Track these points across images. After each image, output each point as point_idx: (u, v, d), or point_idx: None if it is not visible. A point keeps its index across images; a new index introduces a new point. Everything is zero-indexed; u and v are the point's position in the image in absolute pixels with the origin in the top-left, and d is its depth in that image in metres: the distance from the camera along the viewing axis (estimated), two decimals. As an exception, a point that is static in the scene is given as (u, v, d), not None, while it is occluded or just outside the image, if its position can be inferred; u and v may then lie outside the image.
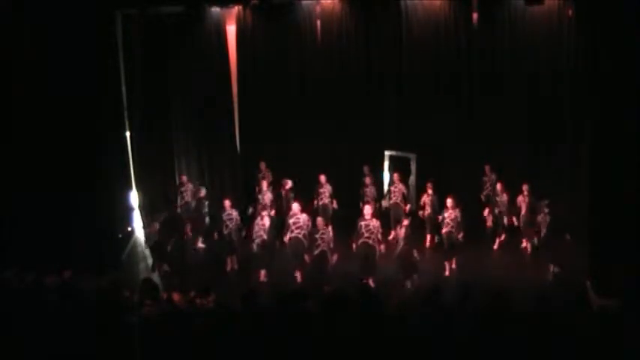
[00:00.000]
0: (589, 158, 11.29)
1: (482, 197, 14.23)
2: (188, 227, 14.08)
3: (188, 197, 14.56)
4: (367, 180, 14.49)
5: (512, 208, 13.50)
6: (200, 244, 14.28)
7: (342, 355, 6.69)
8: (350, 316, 7.24)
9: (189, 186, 14.69)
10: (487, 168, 14.24)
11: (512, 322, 7.20)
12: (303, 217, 12.28)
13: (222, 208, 13.14)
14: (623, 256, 10.40)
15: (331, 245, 11.84)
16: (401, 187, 14.06)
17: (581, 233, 11.84)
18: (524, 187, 13.37)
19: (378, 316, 7.31)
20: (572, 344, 6.64)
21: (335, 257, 11.71)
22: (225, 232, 12.91)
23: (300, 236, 12.11)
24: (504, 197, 13.62)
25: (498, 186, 13.70)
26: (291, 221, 12.33)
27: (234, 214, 13.05)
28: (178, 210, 14.32)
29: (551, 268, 12.14)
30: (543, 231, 12.66)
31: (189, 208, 14.49)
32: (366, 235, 11.61)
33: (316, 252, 11.60)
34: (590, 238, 11.25)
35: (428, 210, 13.74)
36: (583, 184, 12.38)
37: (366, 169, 14.96)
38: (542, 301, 7.38)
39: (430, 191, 13.83)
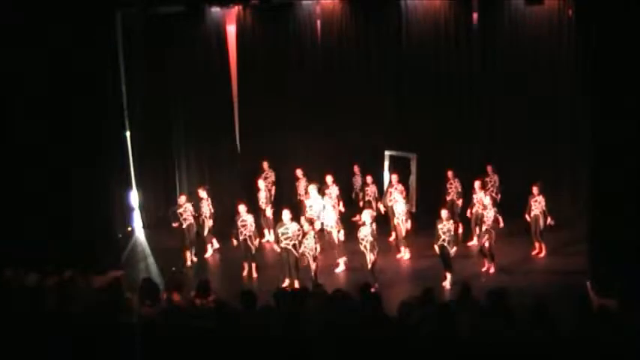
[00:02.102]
0: (589, 158, 11.28)
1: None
2: (188, 254, 13.41)
3: (190, 219, 13.47)
4: (368, 179, 14.41)
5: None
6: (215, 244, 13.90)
7: (341, 354, 6.69)
8: (350, 316, 7.25)
9: (189, 206, 13.53)
10: (489, 168, 14.09)
11: (512, 322, 7.21)
12: (293, 227, 11.80)
13: (237, 214, 12.59)
14: (623, 256, 10.39)
15: (317, 251, 11.59)
16: (400, 188, 13.99)
17: (582, 233, 11.84)
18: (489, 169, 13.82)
19: (378, 316, 7.32)
20: (573, 344, 6.64)
21: (314, 265, 11.49)
22: (241, 238, 12.51)
23: (290, 247, 11.72)
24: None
25: (477, 184, 13.38)
26: (279, 231, 11.84)
27: (250, 219, 12.51)
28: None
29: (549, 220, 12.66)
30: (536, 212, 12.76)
31: (191, 231, 13.53)
32: (363, 243, 11.51)
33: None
34: (590, 238, 11.24)
35: (451, 195, 13.88)
36: (583, 184, 12.38)
37: (356, 168, 14.87)
38: (542, 301, 7.38)
39: (450, 175, 13.96)
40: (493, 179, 13.99)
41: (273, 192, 14.91)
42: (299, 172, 14.83)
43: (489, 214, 12.24)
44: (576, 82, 13.46)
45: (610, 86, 10.43)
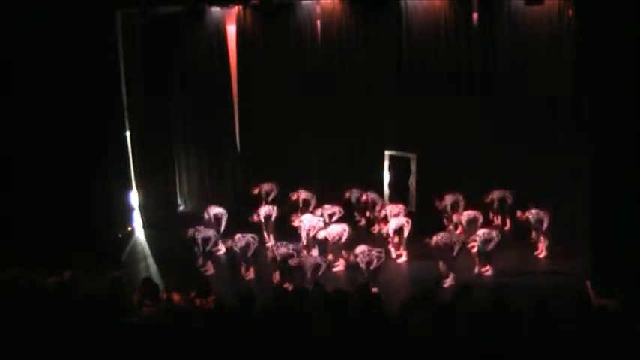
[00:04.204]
0: (590, 157, 11.28)
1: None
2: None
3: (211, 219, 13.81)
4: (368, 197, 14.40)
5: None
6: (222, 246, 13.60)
7: (341, 354, 6.70)
8: (350, 316, 7.26)
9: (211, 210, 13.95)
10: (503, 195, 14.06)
11: (512, 322, 7.21)
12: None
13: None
14: (623, 256, 10.40)
15: (313, 258, 11.65)
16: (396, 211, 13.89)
17: (582, 233, 11.86)
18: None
19: (378, 316, 7.33)
20: (573, 344, 6.65)
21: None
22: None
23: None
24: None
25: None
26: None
27: (238, 242, 12.48)
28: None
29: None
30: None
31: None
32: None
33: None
34: (590, 239, 11.25)
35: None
36: (583, 183, 12.37)
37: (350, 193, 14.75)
38: (542, 301, 7.39)
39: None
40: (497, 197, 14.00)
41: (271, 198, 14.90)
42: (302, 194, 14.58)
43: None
44: (576, 82, 13.48)
45: (610, 86, 10.44)
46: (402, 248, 13.11)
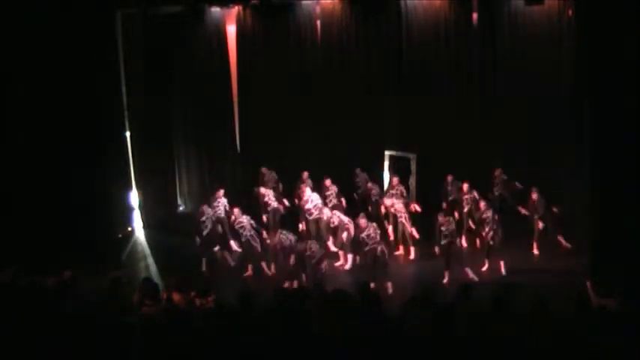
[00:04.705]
0: (589, 158, 11.29)
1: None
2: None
3: (221, 211, 13.42)
4: (369, 184, 14.37)
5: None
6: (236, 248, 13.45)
7: (342, 355, 6.69)
8: (350, 315, 7.25)
9: (223, 200, 13.60)
10: (497, 172, 14.12)
11: (512, 322, 7.21)
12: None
13: (232, 216, 12.70)
14: (623, 256, 10.40)
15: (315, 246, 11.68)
16: (401, 189, 13.96)
17: (582, 233, 11.86)
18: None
19: (378, 316, 7.33)
20: (572, 344, 6.64)
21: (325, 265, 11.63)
22: (243, 239, 12.50)
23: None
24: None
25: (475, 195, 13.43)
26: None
27: (245, 220, 12.49)
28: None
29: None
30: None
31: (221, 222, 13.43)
32: (371, 243, 11.59)
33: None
34: (590, 238, 11.25)
35: (465, 208, 13.70)
36: (583, 183, 12.37)
37: (358, 170, 14.84)
38: (542, 301, 7.38)
39: (450, 179, 13.97)
40: (500, 180, 13.99)
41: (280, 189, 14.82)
42: (305, 176, 14.64)
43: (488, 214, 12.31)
44: (576, 82, 13.48)
45: (610, 86, 10.44)
46: (402, 247, 13.11)
